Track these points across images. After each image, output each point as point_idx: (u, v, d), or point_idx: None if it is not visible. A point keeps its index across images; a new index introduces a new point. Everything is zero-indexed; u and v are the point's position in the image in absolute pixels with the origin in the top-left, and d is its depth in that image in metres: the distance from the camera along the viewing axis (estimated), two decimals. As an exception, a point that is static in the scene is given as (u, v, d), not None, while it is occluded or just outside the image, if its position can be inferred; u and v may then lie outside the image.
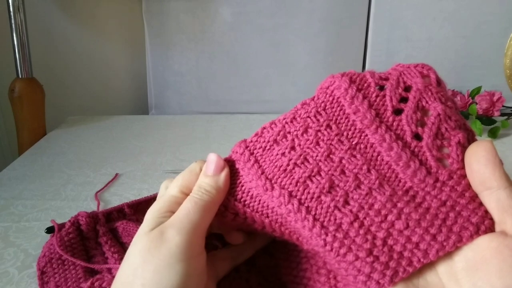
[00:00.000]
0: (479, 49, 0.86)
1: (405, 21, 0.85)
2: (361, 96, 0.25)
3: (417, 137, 0.23)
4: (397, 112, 0.24)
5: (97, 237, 0.40)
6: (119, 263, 0.31)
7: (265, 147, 0.26)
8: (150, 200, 0.46)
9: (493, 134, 0.71)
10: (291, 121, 0.26)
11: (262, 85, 0.90)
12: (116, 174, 0.56)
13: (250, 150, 0.26)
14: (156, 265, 0.23)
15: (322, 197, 0.23)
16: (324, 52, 0.88)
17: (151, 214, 0.26)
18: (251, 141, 0.27)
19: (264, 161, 0.26)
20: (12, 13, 0.68)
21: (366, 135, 0.24)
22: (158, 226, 0.25)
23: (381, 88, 0.25)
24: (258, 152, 0.26)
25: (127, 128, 0.78)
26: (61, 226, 0.39)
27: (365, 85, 0.25)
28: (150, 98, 0.92)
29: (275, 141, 0.26)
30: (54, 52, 0.88)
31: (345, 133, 0.24)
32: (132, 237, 0.27)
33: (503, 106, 0.72)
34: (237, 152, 0.27)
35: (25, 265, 0.38)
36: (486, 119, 0.72)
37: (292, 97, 0.91)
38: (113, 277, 0.29)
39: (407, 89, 0.25)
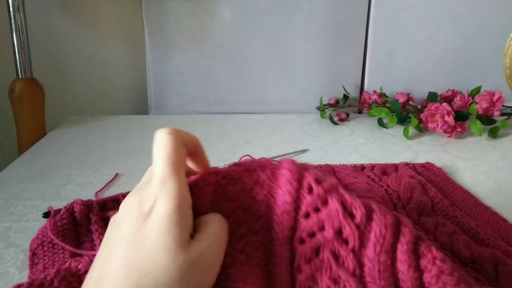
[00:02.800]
0: (479, 49, 0.86)
1: (405, 21, 0.85)
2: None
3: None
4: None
5: (89, 225, 0.41)
6: None
7: None
8: None
9: (493, 134, 0.71)
10: None
11: (262, 85, 0.90)
12: (116, 174, 0.56)
13: None
14: None
15: None
16: (324, 52, 0.88)
17: (181, 223, 0.23)
18: None
19: None
20: (12, 13, 0.68)
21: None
22: (198, 252, 0.22)
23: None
24: None
25: (127, 128, 0.78)
26: (57, 211, 0.41)
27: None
28: (150, 98, 0.92)
29: None
30: (54, 52, 0.88)
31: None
32: None
33: (503, 106, 0.72)
34: None
35: (25, 265, 0.38)
36: (486, 119, 0.72)
37: (291, 97, 0.91)
38: (91, 260, 0.29)
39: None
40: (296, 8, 0.85)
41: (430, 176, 0.54)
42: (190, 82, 0.89)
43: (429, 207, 0.45)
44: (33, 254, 0.38)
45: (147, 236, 0.22)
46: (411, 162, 0.58)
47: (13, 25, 0.69)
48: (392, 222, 0.26)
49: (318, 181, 0.28)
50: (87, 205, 0.42)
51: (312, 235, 0.27)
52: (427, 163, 0.58)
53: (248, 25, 0.86)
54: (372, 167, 0.56)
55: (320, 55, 0.88)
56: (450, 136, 0.71)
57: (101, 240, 0.37)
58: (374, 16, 0.86)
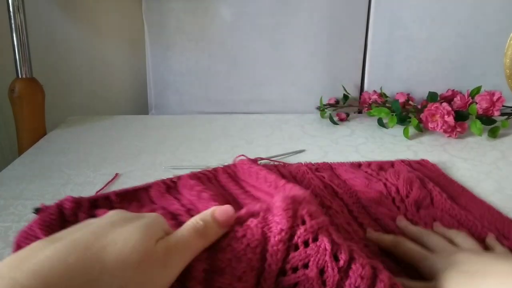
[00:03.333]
0: (479, 48, 0.86)
1: (405, 21, 0.85)
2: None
3: None
4: None
5: (77, 222, 0.40)
6: None
7: None
8: (137, 190, 0.48)
9: (493, 134, 0.71)
10: None
11: (262, 85, 0.90)
12: (116, 174, 0.56)
13: None
14: (145, 282, 0.21)
15: None
16: (324, 52, 0.88)
17: (152, 223, 0.25)
18: None
19: None
20: (12, 13, 0.68)
21: None
22: (165, 243, 0.24)
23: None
24: None
25: (127, 128, 0.78)
26: (48, 208, 0.40)
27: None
28: (150, 98, 0.92)
29: None
30: (54, 52, 0.88)
31: None
32: None
33: (503, 105, 0.73)
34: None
35: (25, 265, 0.38)
36: (486, 119, 0.72)
37: (292, 97, 0.91)
38: None
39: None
40: (296, 8, 0.85)
41: (426, 172, 0.55)
42: (190, 82, 0.89)
43: (427, 200, 0.46)
44: (18, 247, 0.37)
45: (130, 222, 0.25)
46: (407, 159, 0.59)
47: (13, 25, 0.69)
48: (369, 275, 0.27)
49: (311, 216, 0.29)
50: (77, 202, 0.42)
51: (295, 269, 0.27)
52: (422, 160, 0.60)
53: (248, 25, 0.86)
54: (369, 164, 0.58)
55: (320, 55, 0.88)
56: (450, 136, 0.71)
57: None
58: (374, 16, 0.86)
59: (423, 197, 0.46)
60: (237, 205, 0.46)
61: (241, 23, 0.86)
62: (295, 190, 0.39)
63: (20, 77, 0.72)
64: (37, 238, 0.37)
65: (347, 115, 0.84)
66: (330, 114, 0.83)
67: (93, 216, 0.41)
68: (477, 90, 0.76)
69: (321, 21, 0.86)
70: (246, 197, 0.47)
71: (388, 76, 0.89)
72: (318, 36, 0.87)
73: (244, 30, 0.86)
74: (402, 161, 0.58)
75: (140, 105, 0.95)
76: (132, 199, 0.47)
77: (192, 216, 0.40)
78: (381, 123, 0.79)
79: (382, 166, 0.57)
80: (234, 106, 0.91)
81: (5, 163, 0.63)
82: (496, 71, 0.80)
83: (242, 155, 0.58)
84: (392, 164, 0.57)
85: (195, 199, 0.45)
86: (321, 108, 0.85)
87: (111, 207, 0.44)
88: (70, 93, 0.91)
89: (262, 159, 0.59)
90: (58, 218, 0.40)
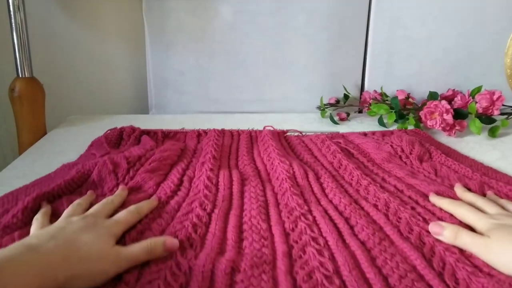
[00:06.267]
0: (479, 48, 0.86)
1: (406, 20, 0.85)
2: None
3: None
4: None
5: (128, 140, 0.64)
6: (123, 155, 0.53)
7: None
8: (178, 132, 0.69)
9: (493, 133, 0.71)
10: None
11: (262, 84, 0.90)
12: (183, 128, 0.70)
13: None
14: (101, 270, 0.31)
15: None
16: (324, 51, 0.88)
17: (108, 232, 0.35)
18: None
19: None
20: (12, 13, 0.68)
21: None
22: (118, 250, 0.33)
23: None
24: None
25: (127, 128, 0.78)
26: (114, 129, 0.66)
27: None
28: (150, 98, 0.92)
29: None
30: (54, 52, 0.88)
31: None
32: (143, 148, 0.57)
33: (503, 105, 0.72)
34: None
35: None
36: (485, 118, 0.72)
37: (292, 97, 0.91)
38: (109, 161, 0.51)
39: None
40: (296, 7, 0.85)
41: (420, 138, 0.67)
42: (190, 81, 0.90)
43: (427, 155, 0.58)
44: (91, 145, 0.63)
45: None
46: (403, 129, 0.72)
47: (13, 24, 0.69)
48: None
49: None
50: (133, 129, 0.66)
51: None
52: (416, 129, 0.72)
53: (248, 24, 0.86)
54: (373, 133, 0.69)
55: (320, 54, 0.88)
56: (449, 134, 0.71)
57: (126, 150, 0.58)
58: (374, 16, 0.86)
59: (424, 152, 0.58)
60: (235, 160, 0.59)
61: (242, 23, 0.86)
62: (282, 167, 0.52)
63: (20, 76, 0.72)
64: (102, 143, 0.62)
65: (348, 114, 0.84)
66: (330, 113, 0.83)
67: (139, 139, 0.64)
68: (477, 90, 0.76)
69: (321, 20, 0.86)
70: (246, 154, 0.60)
71: (389, 75, 0.89)
72: (318, 35, 0.87)
73: (244, 30, 0.86)
74: (399, 130, 0.71)
75: (140, 105, 0.96)
76: (172, 137, 0.68)
77: (195, 152, 0.61)
78: (381, 122, 0.79)
79: (384, 134, 0.68)
80: (234, 105, 0.91)
81: (5, 162, 0.63)
82: (497, 70, 0.80)
83: (270, 126, 0.70)
84: (392, 132, 0.70)
85: (205, 144, 0.62)
86: (322, 108, 0.85)
87: (156, 139, 0.65)
88: (70, 93, 0.92)
89: (296, 131, 0.73)
90: (117, 136, 0.65)
